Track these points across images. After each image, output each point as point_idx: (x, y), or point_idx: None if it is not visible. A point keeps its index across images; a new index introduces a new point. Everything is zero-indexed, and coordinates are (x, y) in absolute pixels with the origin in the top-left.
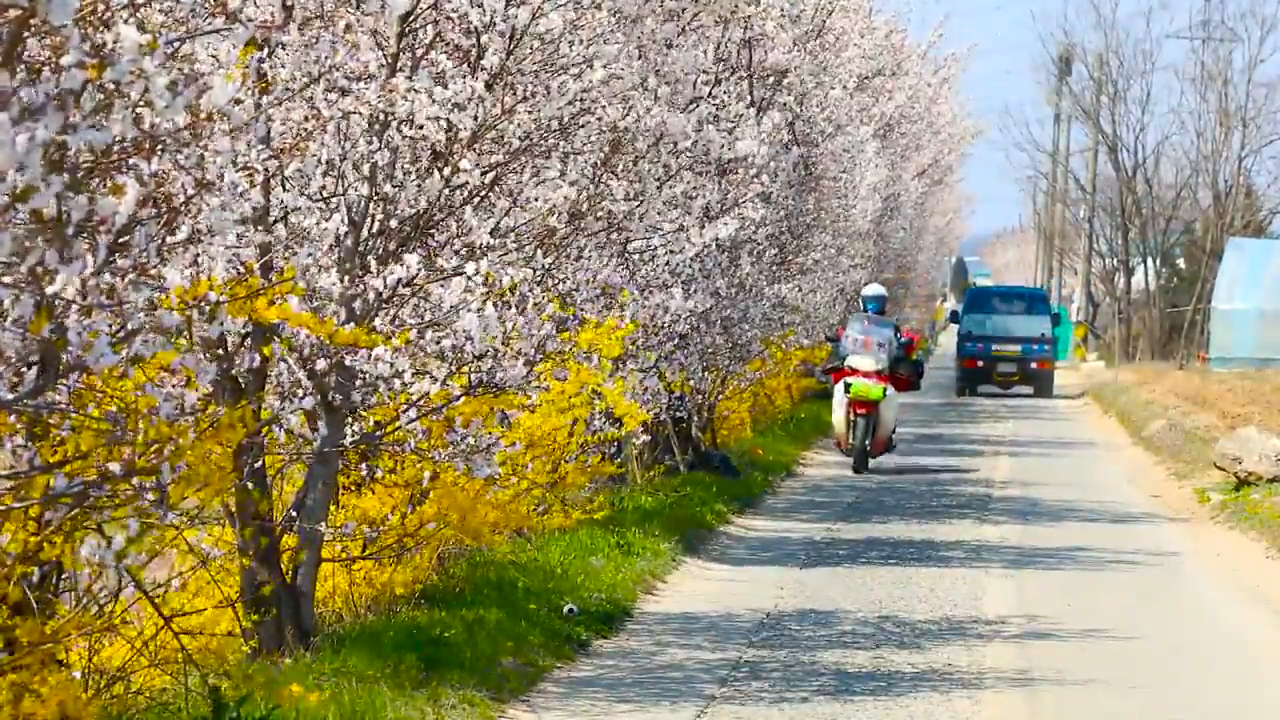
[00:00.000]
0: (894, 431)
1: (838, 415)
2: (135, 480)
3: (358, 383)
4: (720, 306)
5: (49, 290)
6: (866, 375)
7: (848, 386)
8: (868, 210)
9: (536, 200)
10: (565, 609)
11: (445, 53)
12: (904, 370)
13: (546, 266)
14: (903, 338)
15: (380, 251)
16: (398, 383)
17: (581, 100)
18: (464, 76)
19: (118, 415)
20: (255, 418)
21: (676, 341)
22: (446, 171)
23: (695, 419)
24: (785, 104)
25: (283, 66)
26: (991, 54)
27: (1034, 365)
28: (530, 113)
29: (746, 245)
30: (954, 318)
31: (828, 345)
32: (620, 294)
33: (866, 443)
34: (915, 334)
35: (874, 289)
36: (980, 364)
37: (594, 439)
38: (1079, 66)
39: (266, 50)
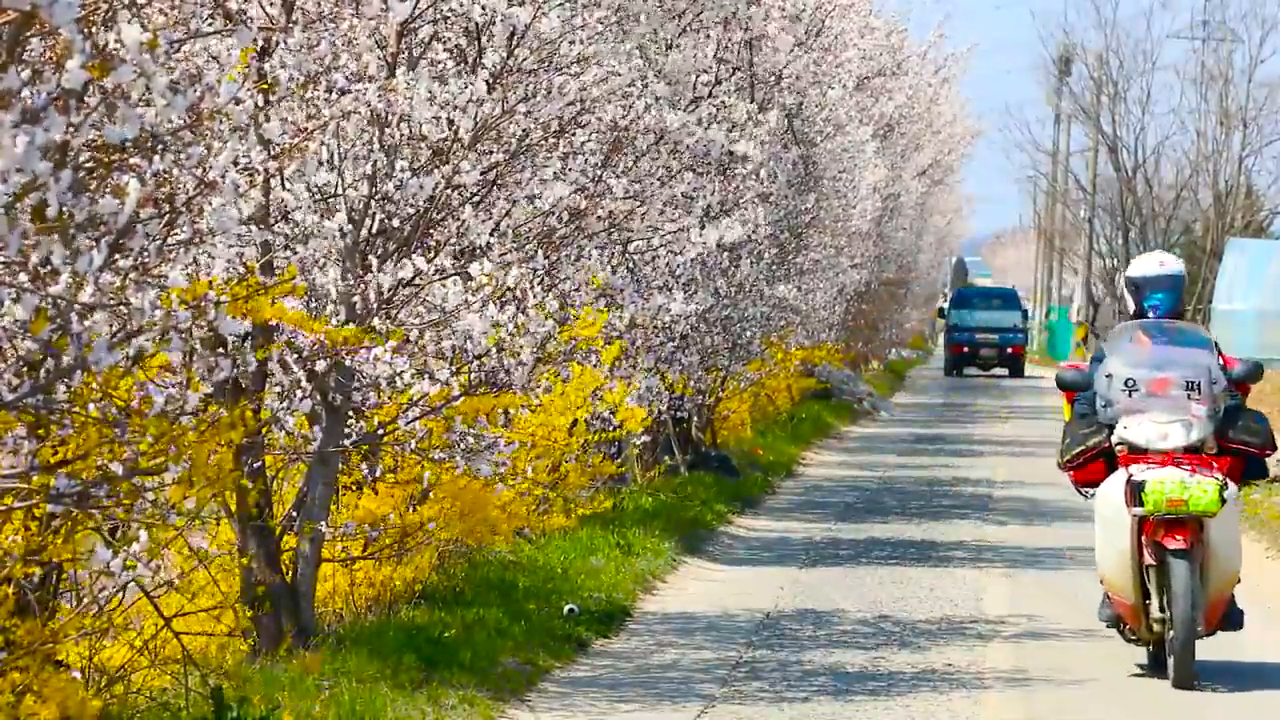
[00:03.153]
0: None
1: (1109, 554)
2: (135, 480)
3: (357, 383)
4: (720, 306)
5: (52, 291)
6: (1173, 461)
7: (1137, 490)
8: (867, 210)
9: (536, 200)
10: (565, 609)
11: (445, 52)
12: (1245, 436)
13: (546, 266)
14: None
15: (380, 251)
16: (399, 382)
17: (581, 100)
18: (465, 74)
19: (119, 416)
20: (255, 418)
21: (677, 342)
22: (446, 170)
23: (695, 419)
24: (784, 104)
25: (283, 67)
26: (991, 54)
27: (1009, 350)
28: (530, 113)
29: (746, 245)
30: (941, 314)
31: (829, 352)
32: (609, 280)
33: (1196, 616)
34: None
35: (1156, 263)
36: (966, 349)
37: (594, 438)
38: (1079, 66)
39: (267, 51)
